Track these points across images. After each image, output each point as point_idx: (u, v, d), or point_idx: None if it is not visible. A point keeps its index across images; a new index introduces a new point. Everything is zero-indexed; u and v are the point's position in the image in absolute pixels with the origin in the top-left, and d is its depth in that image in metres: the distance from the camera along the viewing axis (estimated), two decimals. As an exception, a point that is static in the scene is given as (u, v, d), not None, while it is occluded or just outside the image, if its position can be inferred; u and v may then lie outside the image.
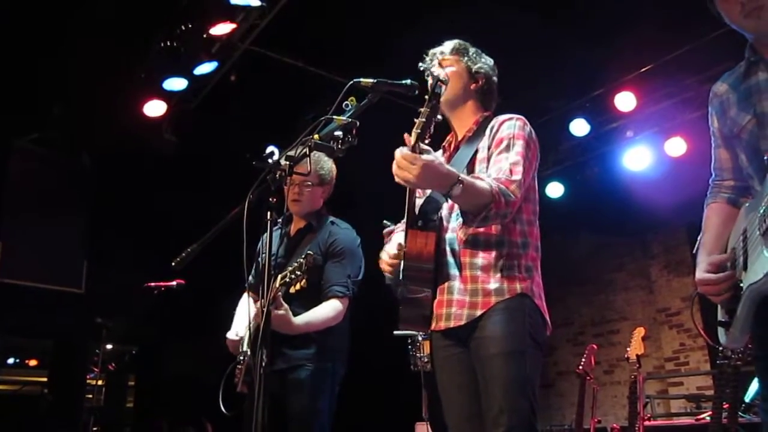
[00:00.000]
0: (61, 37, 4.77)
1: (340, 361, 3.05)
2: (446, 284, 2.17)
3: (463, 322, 2.11)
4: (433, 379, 3.59)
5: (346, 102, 2.17)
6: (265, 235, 2.10)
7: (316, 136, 2.12)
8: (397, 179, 1.92)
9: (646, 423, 4.26)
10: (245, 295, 3.30)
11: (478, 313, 2.09)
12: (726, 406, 3.44)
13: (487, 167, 2.18)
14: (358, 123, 2.11)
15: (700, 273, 1.82)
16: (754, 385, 4.22)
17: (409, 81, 2.16)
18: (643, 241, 7.89)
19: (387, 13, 4.74)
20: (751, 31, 1.78)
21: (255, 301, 2.95)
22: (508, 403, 1.98)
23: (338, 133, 2.10)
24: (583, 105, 6.25)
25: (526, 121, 2.27)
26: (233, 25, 4.71)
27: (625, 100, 5.89)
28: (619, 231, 7.76)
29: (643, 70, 5.67)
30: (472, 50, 2.42)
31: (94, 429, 5.12)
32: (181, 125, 5.69)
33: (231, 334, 3.04)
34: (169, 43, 4.88)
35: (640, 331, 4.23)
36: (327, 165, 3.13)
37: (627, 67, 5.69)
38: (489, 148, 2.22)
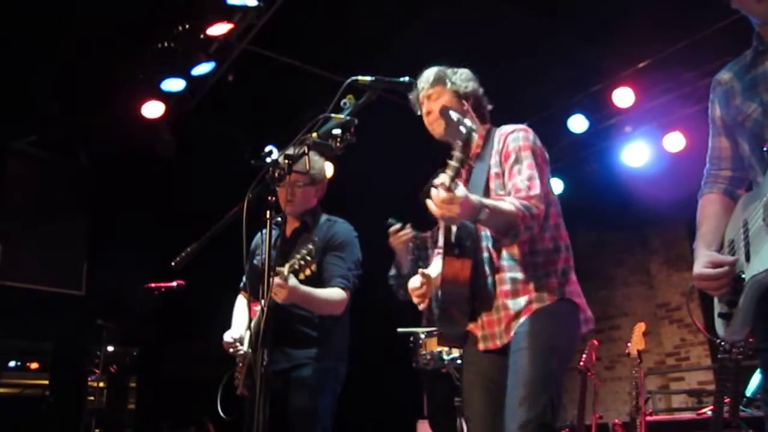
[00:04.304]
0: (59, 40, 4.77)
1: (342, 361, 3.05)
2: (492, 303, 2.24)
3: (512, 333, 2.18)
4: (430, 375, 3.62)
5: (344, 100, 2.17)
6: (258, 235, 2.10)
7: (314, 135, 2.13)
8: (440, 218, 2.00)
9: (648, 418, 4.26)
10: (240, 296, 3.30)
11: (522, 320, 2.16)
12: (727, 400, 3.44)
13: (503, 183, 2.25)
14: (356, 121, 2.12)
15: (699, 268, 1.80)
16: (755, 379, 4.22)
17: (406, 78, 2.17)
18: (642, 237, 7.88)
19: (384, 10, 4.73)
20: (761, 16, 1.76)
21: (250, 302, 2.95)
22: (528, 398, 2.03)
23: (336, 131, 2.11)
24: (581, 101, 6.24)
25: (528, 129, 2.32)
26: (230, 25, 4.70)
27: (623, 96, 5.88)
28: (618, 227, 7.75)
29: (641, 65, 5.66)
30: (449, 72, 2.45)
31: (96, 431, 5.10)
32: (179, 126, 5.68)
33: (227, 337, 3.04)
34: (166, 44, 4.87)
35: (640, 327, 4.23)
36: (318, 164, 3.10)
37: (625, 62, 5.68)
38: (500, 164, 2.28)
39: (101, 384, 5.59)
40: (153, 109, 5.41)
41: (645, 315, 7.43)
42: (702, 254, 1.83)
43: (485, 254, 2.27)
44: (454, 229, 2.30)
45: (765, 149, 1.60)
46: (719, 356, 3.47)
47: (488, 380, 2.24)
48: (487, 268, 2.26)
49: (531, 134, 2.30)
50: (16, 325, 5.62)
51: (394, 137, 5.31)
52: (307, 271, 2.56)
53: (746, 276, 1.68)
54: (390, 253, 3.90)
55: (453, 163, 1.91)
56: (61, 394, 5.71)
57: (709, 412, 3.86)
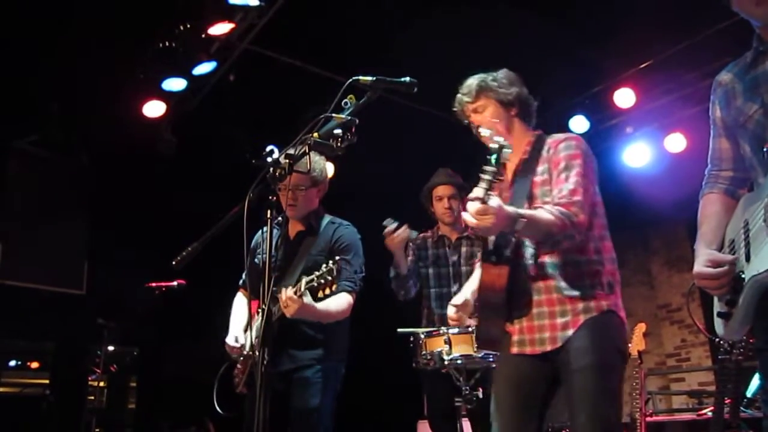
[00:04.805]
0: (59, 40, 4.76)
1: (342, 361, 3.07)
2: (533, 310, 2.25)
3: (558, 345, 2.20)
4: (431, 376, 3.62)
5: (345, 100, 2.16)
6: (258, 234, 2.09)
7: (315, 135, 2.12)
8: (477, 229, 2.03)
9: (648, 419, 4.26)
10: (239, 294, 3.29)
11: (570, 332, 2.18)
12: (728, 401, 3.44)
13: (551, 191, 2.25)
14: (357, 121, 2.11)
15: (699, 267, 1.81)
16: (756, 380, 4.22)
17: (408, 78, 2.16)
18: (643, 237, 7.88)
19: (386, 10, 4.73)
20: (761, 19, 1.77)
21: (249, 300, 2.95)
22: (596, 414, 2.09)
23: (338, 131, 2.10)
24: (582, 102, 6.23)
25: (581, 139, 2.33)
26: (231, 25, 4.70)
27: (624, 97, 5.88)
28: (619, 227, 7.62)
29: (642, 66, 5.66)
30: (490, 81, 2.43)
31: (96, 430, 5.11)
32: (180, 125, 5.68)
33: (230, 340, 3.03)
34: (167, 44, 4.87)
35: (641, 327, 4.23)
36: (319, 165, 3.10)
37: (626, 63, 5.68)
38: (549, 171, 2.29)
39: (101, 383, 5.60)
40: (154, 109, 5.41)
41: (646, 316, 7.42)
42: (702, 253, 1.84)
43: (528, 261, 2.28)
44: (492, 237, 2.32)
45: (765, 150, 1.60)
46: (720, 357, 3.47)
47: (519, 380, 2.28)
48: (528, 275, 2.28)
49: (583, 143, 2.31)
50: (17, 324, 5.61)
51: (394, 137, 5.31)
52: (327, 290, 2.54)
53: (746, 276, 1.69)
54: (390, 253, 3.90)
55: (485, 176, 1.95)
56: (62, 393, 5.71)
57: (710, 413, 3.85)
